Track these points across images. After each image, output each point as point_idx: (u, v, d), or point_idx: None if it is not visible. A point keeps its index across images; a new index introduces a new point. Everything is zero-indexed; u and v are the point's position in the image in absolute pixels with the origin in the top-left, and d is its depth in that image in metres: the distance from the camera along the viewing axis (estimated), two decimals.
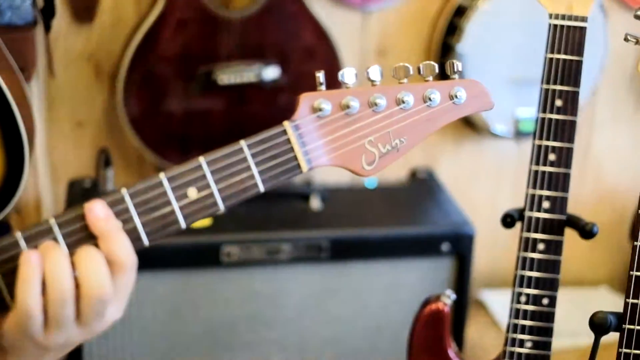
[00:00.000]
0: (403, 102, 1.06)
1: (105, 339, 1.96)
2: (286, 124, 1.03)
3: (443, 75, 1.11)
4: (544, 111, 1.42)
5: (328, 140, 1.05)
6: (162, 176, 1.00)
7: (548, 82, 1.41)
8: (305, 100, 1.04)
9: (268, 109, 2.16)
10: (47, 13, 2.02)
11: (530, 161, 1.43)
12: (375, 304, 2.05)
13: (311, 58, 2.19)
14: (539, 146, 1.43)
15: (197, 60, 2.13)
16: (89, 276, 0.93)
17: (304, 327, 2.04)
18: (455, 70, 1.09)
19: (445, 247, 2.02)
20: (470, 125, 2.38)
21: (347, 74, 1.07)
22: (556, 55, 1.40)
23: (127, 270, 0.97)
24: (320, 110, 1.04)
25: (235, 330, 2.01)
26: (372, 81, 1.07)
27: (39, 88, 2.18)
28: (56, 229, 0.96)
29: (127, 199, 0.98)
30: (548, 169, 1.42)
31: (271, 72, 2.15)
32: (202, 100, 2.15)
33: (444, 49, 2.31)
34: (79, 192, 2.10)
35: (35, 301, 0.92)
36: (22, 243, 0.95)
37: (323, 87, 1.06)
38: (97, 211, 0.96)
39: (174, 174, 1.00)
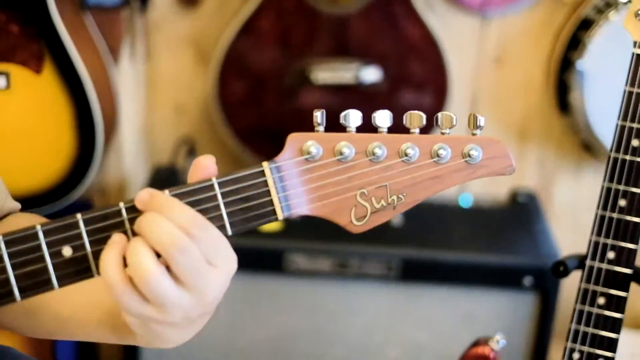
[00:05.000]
0: (406, 155, 0.92)
1: None
2: (265, 165, 0.91)
3: None
4: (618, 151, 1.26)
5: (313, 187, 0.93)
6: (122, 205, 0.89)
7: (625, 119, 1.27)
8: (293, 140, 0.92)
9: (363, 113, 2.05)
10: None
11: (598, 205, 1.28)
12: (445, 333, 1.92)
13: (414, 63, 2.07)
14: (609, 189, 1.28)
15: (294, 55, 2.04)
16: (158, 237, 0.84)
17: (367, 347, 1.94)
18: (477, 124, 0.93)
19: (527, 281, 1.87)
20: (588, 149, 2.19)
21: (352, 117, 0.94)
22: (637, 90, 1.24)
23: (204, 226, 0.87)
24: (308, 153, 0.92)
25: (296, 342, 1.94)
26: (378, 127, 0.94)
27: (137, 70, 2.16)
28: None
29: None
30: (617, 215, 1.27)
31: (370, 74, 2.03)
32: (296, 96, 2.07)
33: (564, 63, 2.12)
34: (159, 180, 2.07)
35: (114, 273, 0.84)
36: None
37: (321, 129, 0.94)
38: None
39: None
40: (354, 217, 0.95)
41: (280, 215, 0.93)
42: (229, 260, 0.90)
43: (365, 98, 2.04)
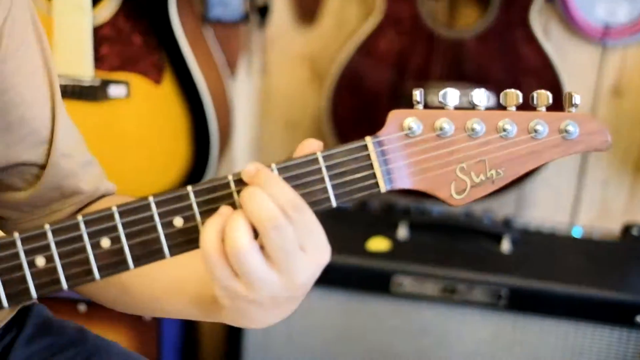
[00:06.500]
0: (504, 130, 0.94)
1: (264, 351, 1.93)
2: (368, 139, 0.93)
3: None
4: None
5: (414, 161, 0.94)
6: (230, 177, 0.91)
7: None
8: (394, 117, 0.94)
9: None
10: (263, 10, 2.03)
11: None
12: None
13: (530, 89, 2.02)
14: None
15: (409, 77, 2.04)
16: (256, 211, 0.85)
17: None
18: (573, 102, 0.95)
19: None
20: None
21: (450, 95, 0.95)
22: None
23: (301, 209, 0.86)
24: (409, 129, 0.94)
25: None
26: (475, 105, 0.95)
27: (253, 85, 2.19)
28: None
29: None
30: None
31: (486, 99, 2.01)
32: None
33: None
34: None
35: (211, 243, 0.85)
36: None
37: (420, 107, 0.95)
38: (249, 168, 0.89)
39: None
40: (454, 190, 0.95)
41: (383, 188, 0.93)
42: (322, 249, 0.88)
43: None
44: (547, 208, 2.18)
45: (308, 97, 2.22)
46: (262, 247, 0.85)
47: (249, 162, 2.14)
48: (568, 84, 2.01)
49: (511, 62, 2.02)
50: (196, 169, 1.94)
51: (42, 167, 1.09)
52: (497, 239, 1.97)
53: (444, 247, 1.95)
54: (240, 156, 2.24)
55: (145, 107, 1.92)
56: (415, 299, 1.86)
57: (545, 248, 2.00)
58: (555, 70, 2.00)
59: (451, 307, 1.86)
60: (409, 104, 2.03)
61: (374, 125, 2.08)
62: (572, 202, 2.19)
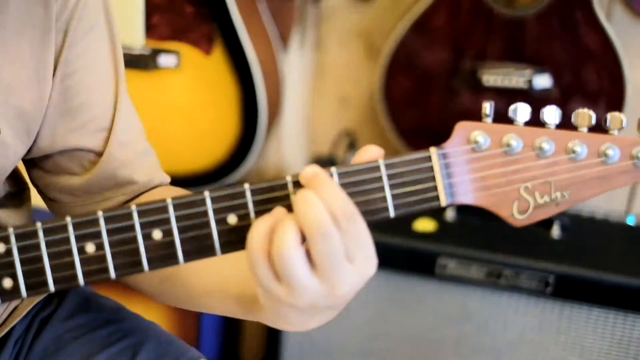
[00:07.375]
0: (573, 152, 0.90)
1: None
2: (432, 150, 0.92)
3: None
4: None
5: (478, 177, 0.92)
6: (289, 178, 0.88)
7: None
8: (461, 129, 0.93)
9: (531, 118, 1.99)
10: None
11: None
12: (597, 357, 1.83)
13: (590, 72, 1.98)
14: None
15: (465, 55, 2.00)
16: (306, 215, 0.82)
17: None
18: None
19: None
20: None
21: (521, 111, 0.94)
22: None
23: (353, 218, 0.85)
24: (475, 143, 0.92)
25: (438, 347, 1.89)
26: (546, 123, 0.93)
27: (305, 59, 2.16)
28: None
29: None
30: None
31: (543, 81, 1.96)
32: (463, 97, 2.02)
33: None
34: None
35: (257, 242, 0.83)
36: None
37: (489, 120, 0.93)
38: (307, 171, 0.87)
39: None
40: (516, 210, 0.93)
41: (444, 202, 0.91)
42: (369, 261, 0.86)
43: (534, 103, 1.97)
44: (603, 195, 2.14)
45: (362, 74, 2.19)
46: (308, 254, 0.83)
47: (299, 138, 2.13)
48: (630, 71, 1.95)
49: (571, 44, 1.97)
50: (244, 142, 1.92)
51: (99, 154, 1.08)
52: (547, 224, 1.94)
53: (492, 230, 1.92)
54: (290, 132, 2.22)
55: (194, 78, 1.90)
56: (459, 282, 1.84)
57: (596, 235, 1.96)
58: (617, 55, 1.94)
59: (496, 292, 1.84)
60: (463, 82, 2.00)
61: (427, 105, 2.07)
62: (629, 190, 2.14)
